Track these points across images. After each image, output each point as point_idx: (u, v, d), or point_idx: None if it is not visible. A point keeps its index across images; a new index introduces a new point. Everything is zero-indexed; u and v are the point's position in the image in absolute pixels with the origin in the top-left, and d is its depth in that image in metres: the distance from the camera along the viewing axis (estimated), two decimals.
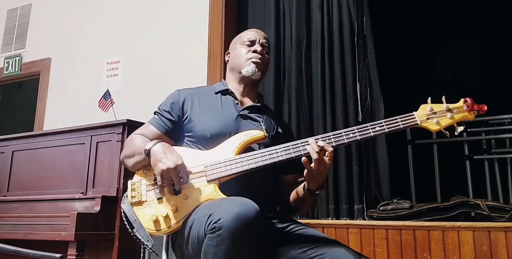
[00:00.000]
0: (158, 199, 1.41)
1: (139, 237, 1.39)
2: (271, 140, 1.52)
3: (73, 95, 3.70)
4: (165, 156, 1.38)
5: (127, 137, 2.52)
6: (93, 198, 2.52)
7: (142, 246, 1.41)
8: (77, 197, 2.59)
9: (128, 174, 1.83)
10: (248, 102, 1.64)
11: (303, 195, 1.48)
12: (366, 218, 2.41)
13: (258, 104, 1.64)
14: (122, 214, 1.45)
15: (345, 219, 2.44)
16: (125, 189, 1.53)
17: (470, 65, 3.98)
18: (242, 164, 1.39)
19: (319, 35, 2.75)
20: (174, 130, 1.58)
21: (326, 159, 1.36)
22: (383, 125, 1.38)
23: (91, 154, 2.71)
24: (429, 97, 1.40)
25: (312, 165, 1.36)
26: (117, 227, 2.51)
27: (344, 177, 2.52)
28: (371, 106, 2.57)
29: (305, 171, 1.38)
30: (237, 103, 1.60)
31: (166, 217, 1.37)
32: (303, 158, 1.36)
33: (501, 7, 3.48)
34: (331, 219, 2.47)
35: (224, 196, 1.35)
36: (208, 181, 1.39)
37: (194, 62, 3.13)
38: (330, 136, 1.39)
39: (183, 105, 1.59)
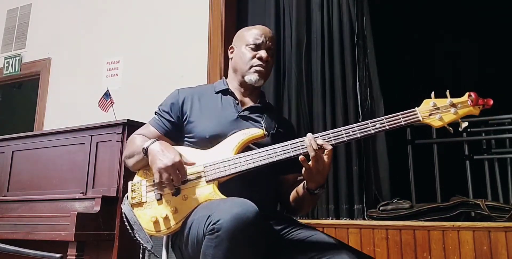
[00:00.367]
0: (158, 200, 1.41)
1: (138, 239, 1.39)
2: (272, 139, 1.51)
3: (73, 95, 3.69)
4: (163, 154, 1.38)
5: (127, 136, 2.53)
6: (93, 198, 2.52)
7: (141, 247, 1.41)
8: (77, 197, 2.59)
9: (128, 174, 1.84)
10: (249, 102, 1.62)
11: (303, 194, 1.46)
12: (366, 218, 2.40)
13: (259, 104, 1.62)
14: (123, 215, 1.45)
15: (345, 219, 2.44)
16: (125, 189, 1.54)
17: (470, 65, 3.98)
18: (241, 163, 1.38)
19: (319, 35, 2.75)
20: (174, 130, 1.58)
21: (325, 157, 1.33)
22: (383, 123, 1.35)
23: (91, 154, 2.71)
24: (433, 92, 1.36)
25: (310, 163, 1.33)
26: (117, 227, 2.51)
27: (344, 177, 2.52)
28: (371, 106, 2.57)
29: (303, 169, 1.36)
30: (237, 104, 1.59)
31: (166, 218, 1.37)
32: (301, 156, 1.33)
33: (501, 7, 3.48)
34: (331, 219, 2.47)
35: (223, 197, 1.34)
36: (207, 181, 1.39)
37: (194, 62, 3.13)
38: (329, 133, 1.37)
39: (183, 106, 1.58)
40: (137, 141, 1.54)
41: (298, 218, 2.09)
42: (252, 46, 1.59)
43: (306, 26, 2.82)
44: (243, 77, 1.60)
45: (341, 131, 1.37)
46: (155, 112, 1.63)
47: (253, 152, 1.40)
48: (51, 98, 3.84)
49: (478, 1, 3.65)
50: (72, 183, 2.73)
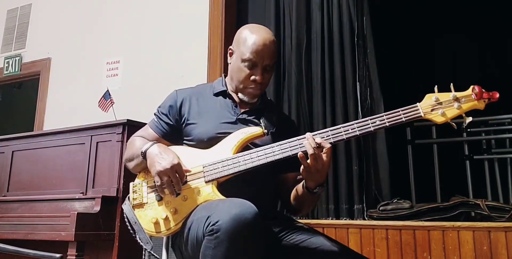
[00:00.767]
0: (158, 201, 1.41)
1: (138, 240, 1.39)
2: (272, 137, 1.49)
3: (73, 95, 3.70)
4: (161, 157, 1.38)
5: (127, 136, 2.53)
6: (93, 198, 2.52)
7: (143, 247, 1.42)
8: (77, 197, 2.59)
9: (128, 174, 1.84)
10: (248, 103, 1.59)
11: (302, 193, 1.44)
12: (366, 218, 2.40)
13: (258, 106, 1.58)
14: (124, 216, 1.45)
15: (345, 219, 2.43)
16: (125, 189, 1.54)
17: (470, 65, 3.98)
18: (239, 163, 1.38)
19: (319, 35, 2.75)
20: (172, 133, 1.57)
21: (324, 155, 1.31)
22: (383, 119, 1.30)
23: (91, 154, 2.71)
24: (436, 86, 1.30)
25: (309, 161, 1.31)
26: (117, 227, 2.51)
27: (344, 177, 2.52)
28: (371, 106, 2.57)
29: (301, 167, 1.34)
30: (236, 106, 1.56)
31: (166, 219, 1.37)
32: (300, 153, 1.31)
33: (501, 7, 3.48)
34: (331, 219, 2.47)
35: (222, 197, 1.34)
36: (206, 182, 1.39)
37: (194, 62, 3.13)
38: (328, 131, 1.34)
39: (181, 108, 1.56)
40: (136, 143, 1.54)
41: (298, 218, 2.09)
42: (248, 62, 1.48)
43: (306, 26, 2.82)
44: (237, 90, 1.55)
45: (340, 128, 1.34)
46: (154, 114, 1.62)
47: (251, 151, 1.39)
48: (51, 98, 3.84)
49: (478, 1, 3.65)
50: (72, 183, 2.74)
